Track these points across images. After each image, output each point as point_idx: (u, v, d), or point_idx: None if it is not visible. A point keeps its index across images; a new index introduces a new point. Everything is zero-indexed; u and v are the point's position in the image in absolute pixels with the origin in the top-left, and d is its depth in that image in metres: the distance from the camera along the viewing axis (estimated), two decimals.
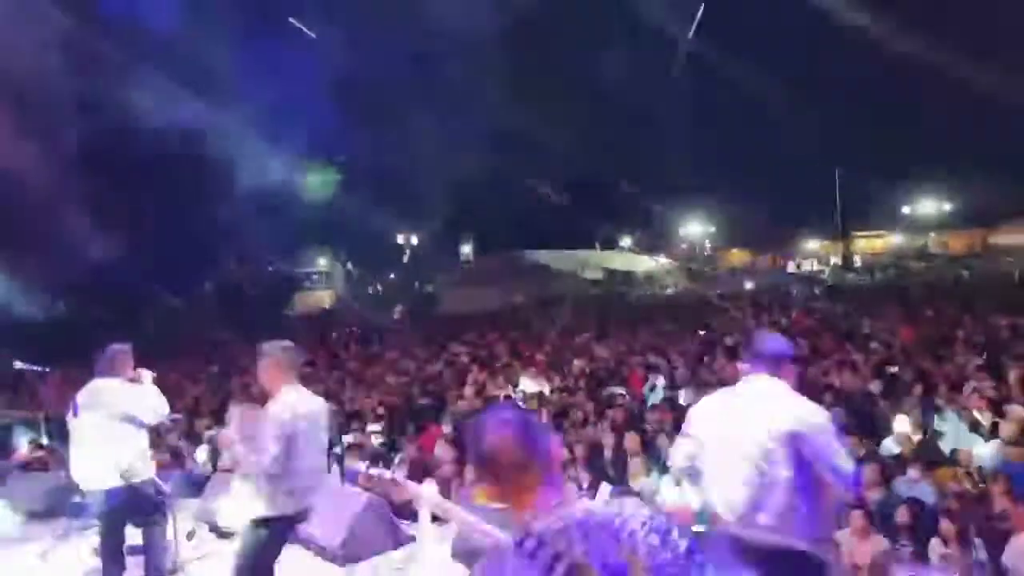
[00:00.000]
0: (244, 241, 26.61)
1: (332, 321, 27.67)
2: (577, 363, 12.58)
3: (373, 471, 2.47)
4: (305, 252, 42.05)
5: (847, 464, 2.79)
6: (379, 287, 47.99)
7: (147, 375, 4.26)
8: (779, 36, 32.03)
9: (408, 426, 9.25)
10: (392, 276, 49.00)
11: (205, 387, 12.49)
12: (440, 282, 41.71)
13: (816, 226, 40.67)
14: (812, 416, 2.83)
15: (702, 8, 27.14)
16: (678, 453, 3.14)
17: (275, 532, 3.44)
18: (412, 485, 2.45)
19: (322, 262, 44.52)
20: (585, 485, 6.87)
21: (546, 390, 10.56)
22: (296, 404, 3.47)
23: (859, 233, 40.61)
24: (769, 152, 37.57)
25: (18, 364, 6.30)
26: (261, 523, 3.40)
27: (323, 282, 43.97)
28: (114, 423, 3.98)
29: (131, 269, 20.44)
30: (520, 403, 9.88)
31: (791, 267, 38.78)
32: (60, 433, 8.61)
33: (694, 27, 27.65)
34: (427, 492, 2.53)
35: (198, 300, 30.70)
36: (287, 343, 3.75)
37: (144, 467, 3.97)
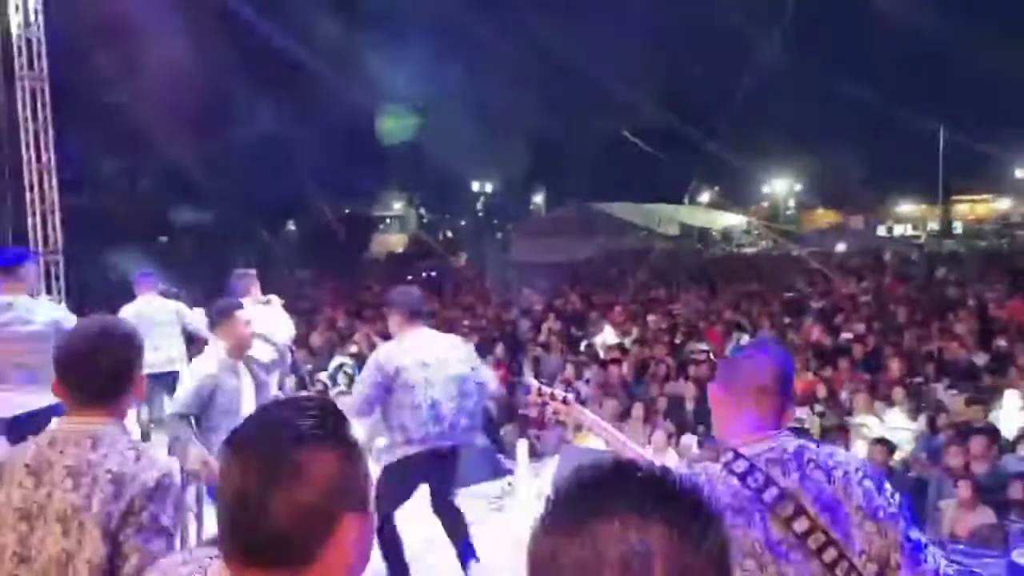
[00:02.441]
0: (327, 182, 27.33)
1: (408, 264, 28.30)
2: (654, 318, 12.50)
3: (546, 388, 2.62)
4: (382, 195, 42.75)
5: None
6: (449, 233, 48.54)
7: (276, 300, 4.49)
8: None
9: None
10: (463, 223, 49.40)
11: (298, 321, 13.05)
12: (511, 231, 41.77)
13: (912, 188, 38.22)
14: None
15: None
16: None
17: None
18: (579, 407, 2.66)
19: (397, 206, 45.20)
20: (667, 436, 6.94)
21: (625, 342, 10.55)
22: None
23: (961, 197, 37.94)
24: (863, 106, 35.22)
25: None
26: None
27: (397, 226, 44.74)
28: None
29: (229, 204, 21.39)
30: (600, 353, 9.97)
31: (881, 231, 36.87)
32: None
33: None
34: (591, 415, 2.72)
35: (284, 238, 31.90)
36: None
37: (273, 384, 4.20)
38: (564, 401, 2.52)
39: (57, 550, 1.57)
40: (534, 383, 2.67)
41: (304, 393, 6.53)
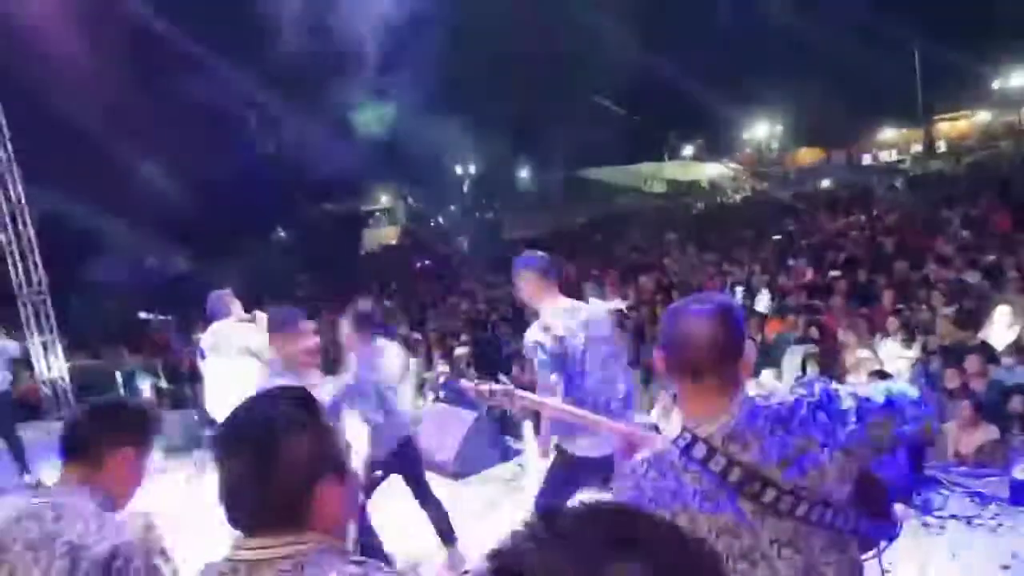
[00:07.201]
0: (311, 182, 27.15)
1: (402, 256, 28.28)
2: (648, 278, 12.54)
3: (483, 385, 2.42)
4: (368, 190, 42.57)
5: None
6: (440, 219, 48.28)
7: (262, 316, 4.52)
8: None
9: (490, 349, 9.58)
10: (453, 208, 49.15)
11: None
12: (500, 209, 41.64)
13: (892, 112, 37.75)
14: None
15: None
16: None
17: None
18: (524, 393, 2.42)
19: (384, 199, 45.02)
20: (672, 398, 7.03)
21: (621, 307, 10.61)
22: None
23: (942, 115, 37.45)
24: (836, 36, 34.59)
25: (143, 314, 6.76)
26: None
27: (387, 219, 44.60)
28: (237, 360, 4.29)
29: (212, 218, 21.31)
30: None
31: (867, 160, 36.58)
32: (175, 376, 9.31)
33: None
34: (536, 398, 2.51)
35: (275, 243, 31.81)
36: None
37: None
38: (506, 393, 2.32)
39: None
40: (468, 384, 2.40)
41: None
